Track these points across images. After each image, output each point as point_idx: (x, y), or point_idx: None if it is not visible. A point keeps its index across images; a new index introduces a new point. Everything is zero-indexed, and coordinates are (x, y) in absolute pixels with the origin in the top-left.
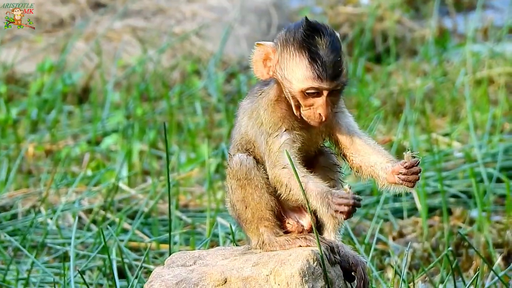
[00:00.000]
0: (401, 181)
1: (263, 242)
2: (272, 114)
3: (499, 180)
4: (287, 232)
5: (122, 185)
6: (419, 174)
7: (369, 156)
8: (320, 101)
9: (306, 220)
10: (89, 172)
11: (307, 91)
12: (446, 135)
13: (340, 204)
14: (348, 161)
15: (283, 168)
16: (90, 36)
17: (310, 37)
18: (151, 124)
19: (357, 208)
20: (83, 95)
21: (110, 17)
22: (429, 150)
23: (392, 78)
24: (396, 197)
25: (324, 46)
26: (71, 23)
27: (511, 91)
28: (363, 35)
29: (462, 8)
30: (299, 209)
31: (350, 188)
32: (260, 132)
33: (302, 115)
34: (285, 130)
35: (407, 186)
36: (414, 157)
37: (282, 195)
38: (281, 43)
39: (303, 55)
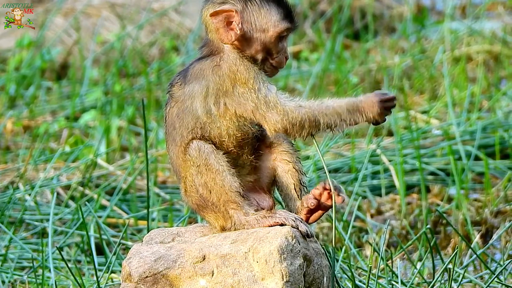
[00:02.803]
0: None
1: (234, 224)
2: (248, 69)
3: (477, 158)
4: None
5: (101, 161)
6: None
7: None
8: (285, 43)
9: (266, 202)
10: (67, 148)
11: (281, 34)
12: (424, 112)
13: (386, 100)
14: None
15: (300, 107)
16: (69, 12)
17: None
18: (129, 100)
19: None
20: (62, 71)
21: None
22: (407, 128)
23: (371, 55)
24: (375, 174)
25: None
26: None
27: (489, 68)
28: (341, 12)
29: None
30: (258, 191)
31: None
32: (240, 93)
33: (268, 67)
34: (268, 82)
35: None
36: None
37: (305, 135)
38: (239, 1)
39: (270, 1)
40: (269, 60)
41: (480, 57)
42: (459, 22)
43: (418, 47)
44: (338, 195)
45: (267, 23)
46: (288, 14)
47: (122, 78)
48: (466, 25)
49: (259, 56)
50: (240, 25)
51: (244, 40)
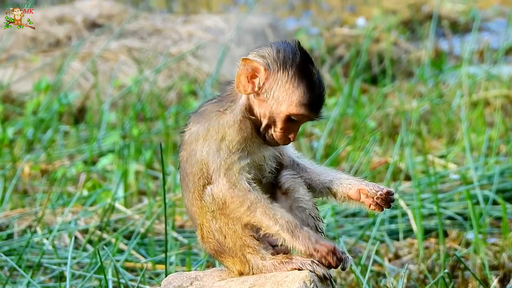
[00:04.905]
0: (371, 203)
1: (251, 268)
2: (238, 132)
3: (495, 202)
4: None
5: (118, 205)
6: (391, 204)
7: (320, 175)
8: (296, 127)
9: (283, 246)
10: (85, 192)
11: (293, 116)
12: (442, 157)
13: (322, 255)
14: None
15: (249, 191)
16: (86, 56)
17: (307, 65)
18: (147, 144)
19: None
20: (79, 115)
21: (106, 37)
22: (425, 172)
23: (388, 99)
24: (392, 219)
25: (316, 77)
26: (67, 43)
27: (507, 113)
28: (359, 57)
29: (458, 30)
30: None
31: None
32: (219, 147)
33: (269, 135)
34: (247, 154)
35: (376, 209)
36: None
37: (237, 214)
38: (275, 64)
39: (301, 82)
40: (271, 130)
41: (498, 102)
42: (477, 67)
43: (436, 91)
44: (344, 266)
45: (284, 97)
46: (311, 102)
47: (139, 122)
48: (484, 70)
49: (264, 121)
50: (261, 84)
51: (257, 99)
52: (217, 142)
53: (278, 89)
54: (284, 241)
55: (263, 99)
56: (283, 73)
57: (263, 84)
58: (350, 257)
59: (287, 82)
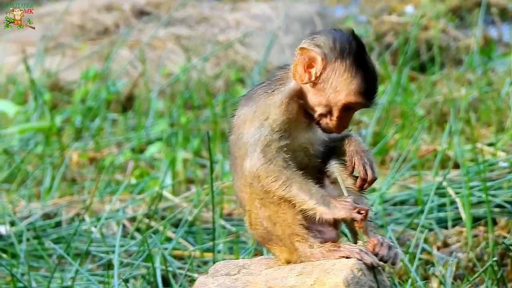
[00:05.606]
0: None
1: (299, 256)
2: (283, 113)
3: None
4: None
5: (166, 193)
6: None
7: None
8: (351, 114)
9: (329, 235)
10: (133, 180)
11: (351, 105)
12: (491, 145)
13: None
14: None
15: (285, 168)
16: (134, 44)
17: (362, 53)
18: (195, 132)
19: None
20: (127, 103)
21: (154, 25)
22: (473, 160)
23: (437, 87)
24: (441, 207)
25: (371, 65)
26: (115, 31)
27: None
28: (407, 44)
29: (507, 17)
30: (322, 223)
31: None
32: (261, 125)
33: (323, 123)
34: (288, 135)
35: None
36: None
37: (272, 188)
38: (332, 53)
39: (359, 71)
40: (326, 118)
41: None
42: None
43: (484, 79)
44: (394, 261)
45: (342, 87)
46: (368, 90)
47: (187, 110)
48: None
49: (319, 110)
50: (318, 74)
51: (313, 88)
52: (261, 121)
53: (336, 78)
54: (322, 214)
55: (320, 89)
56: (340, 62)
57: (320, 73)
58: (400, 251)
59: (345, 71)
